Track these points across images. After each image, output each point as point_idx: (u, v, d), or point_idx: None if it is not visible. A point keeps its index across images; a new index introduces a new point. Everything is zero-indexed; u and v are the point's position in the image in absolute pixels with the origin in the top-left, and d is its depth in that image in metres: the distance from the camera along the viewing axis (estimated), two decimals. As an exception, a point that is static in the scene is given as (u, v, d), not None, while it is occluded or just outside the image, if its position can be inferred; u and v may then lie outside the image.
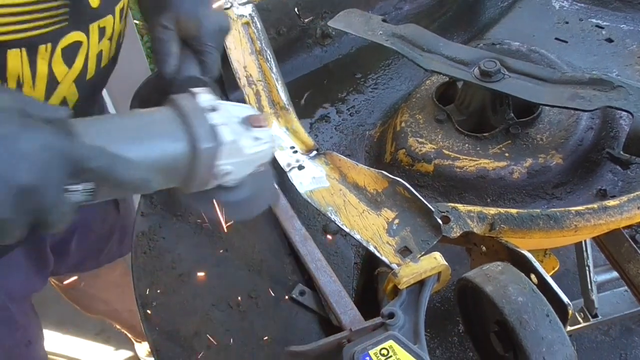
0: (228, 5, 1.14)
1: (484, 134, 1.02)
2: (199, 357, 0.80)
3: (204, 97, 0.56)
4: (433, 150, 1.02)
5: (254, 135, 0.57)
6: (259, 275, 0.89)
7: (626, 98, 0.89)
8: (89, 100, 0.86)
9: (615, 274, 0.85)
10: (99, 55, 0.80)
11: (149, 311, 0.85)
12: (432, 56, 1.06)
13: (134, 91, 1.14)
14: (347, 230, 0.76)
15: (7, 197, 0.42)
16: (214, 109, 0.55)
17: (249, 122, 0.58)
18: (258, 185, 0.64)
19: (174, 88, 0.67)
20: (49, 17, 0.67)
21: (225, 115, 0.56)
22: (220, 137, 0.54)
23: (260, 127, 0.58)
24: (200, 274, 0.87)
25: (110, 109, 2.07)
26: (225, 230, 0.90)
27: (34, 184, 0.43)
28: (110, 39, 0.81)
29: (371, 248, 0.72)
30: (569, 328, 0.82)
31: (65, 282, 1.37)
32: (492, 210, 0.72)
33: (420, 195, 0.75)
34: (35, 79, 0.71)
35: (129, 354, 1.97)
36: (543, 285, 0.64)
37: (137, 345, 1.90)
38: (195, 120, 0.54)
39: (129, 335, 1.80)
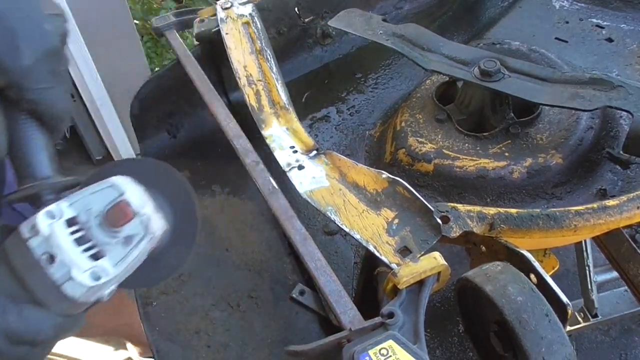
0: (228, 5, 1.14)
1: (484, 134, 1.02)
2: (198, 357, 0.80)
3: (36, 241, 0.44)
4: (433, 150, 1.02)
5: (122, 238, 0.47)
6: (259, 275, 0.89)
7: (626, 98, 0.89)
8: None
9: (615, 274, 0.85)
10: None
11: (149, 311, 0.85)
12: (432, 56, 1.06)
13: (135, 93, 1.15)
14: (347, 230, 0.76)
15: None
16: (52, 258, 0.44)
17: (112, 220, 0.47)
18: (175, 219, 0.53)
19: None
20: None
21: (69, 259, 0.44)
22: (69, 296, 0.44)
23: (128, 221, 0.47)
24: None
25: (111, 108, 2.08)
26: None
27: None
28: None
29: (371, 248, 0.72)
30: (569, 328, 0.82)
31: None
32: (492, 210, 0.72)
33: (420, 195, 0.75)
34: None
35: (129, 354, 1.97)
36: (542, 285, 0.64)
37: (129, 345, 1.88)
38: (33, 284, 0.44)
39: (130, 343, 1.77)
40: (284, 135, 0.93)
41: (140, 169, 0.53)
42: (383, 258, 0.70)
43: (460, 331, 0.86)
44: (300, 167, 0.86)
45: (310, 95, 1.25)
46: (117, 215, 0.47)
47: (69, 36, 0.54)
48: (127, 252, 0.47)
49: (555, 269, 0.82)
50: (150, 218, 0.48)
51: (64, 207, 0.47)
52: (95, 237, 0.46)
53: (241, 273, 0.90)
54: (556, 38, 1.27)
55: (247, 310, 0.85)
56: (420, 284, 0.67)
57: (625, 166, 0.96)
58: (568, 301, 0.62)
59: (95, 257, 0.46)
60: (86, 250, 0.46)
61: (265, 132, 0.93)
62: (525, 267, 0.66)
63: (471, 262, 0.82)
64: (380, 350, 0.58)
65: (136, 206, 0.48)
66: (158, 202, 0.51)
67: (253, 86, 1.01)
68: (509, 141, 1.00)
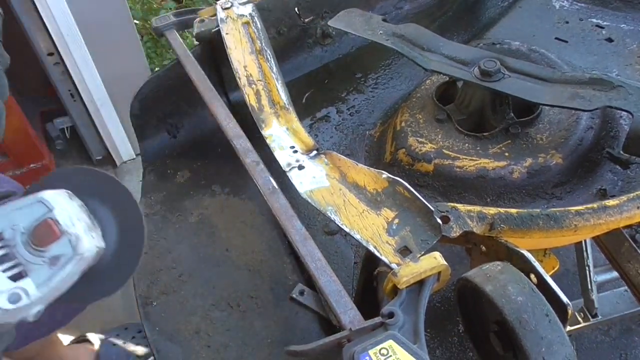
0: (228, 5, 1.14)
1: (484, 134, 1.02)
2: (198, 357, 0.80)
3: None
4: (433, 150, 1.02)
5: (48, 258, 0.44)
6: (259, 275, 0.89)
7: (626, 98, 0.89)
8: None
9: (615, 274, 0.85)
10: None
11: (149, 311, 0.85)
12: (432, 56, 1.06)
13: (135, 93, 1.14)
14: (347, 230, 0.76)
15: None
16: None
17: (38, 239, 0.44)
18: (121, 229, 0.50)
19: None
20: None
21: None
22: None
23: (54, 240, 0.44)
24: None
25: (111, 108, 2.08)
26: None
27: None
28: None
29: (371, 248, 0.72)
30: (569, 328, 0.82)
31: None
32: (492, 210, 0.72)
33: (420, 195, 0.75)
34: None
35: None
36: (543, 285, 0.64)
37: None
38: None
39: None
40: (284, 135, 0.93)
41: (83, 181, 0.50)
42: (383, 258, 0.70)
43: (460, 331, 0.86)
44: (301, 167, 0.86)
45: (310, 95, 1.25)
46: (43, 233, 0.44)
47: None
48: (52, 273, 0.44)
49: (555, 269, 0.82)
50: (79, 238, 0.45)
51: None
52: (20, 255, 0.44)
53: (241, 273, 0.90)
54: (556, 38, 1.27)
55: (247, 310, 0.85)
56: (420, 284, 0.67)
57: (625, 166, 0.96)
58: (568, 301, 0.62)
59: (18, 276, 0.43)
60: (7, 269, 0.43)
61: (265, 132, 0.93)
62: (526, 267, 0.66)
63: (471, 262, 0.82)
64: (380, 350, 0.58)
65: (65, 224, 0.45)
66: (100, 217, 0.48)
67: (253, 86, 1.01)
68: (509, 141, 1.00)
